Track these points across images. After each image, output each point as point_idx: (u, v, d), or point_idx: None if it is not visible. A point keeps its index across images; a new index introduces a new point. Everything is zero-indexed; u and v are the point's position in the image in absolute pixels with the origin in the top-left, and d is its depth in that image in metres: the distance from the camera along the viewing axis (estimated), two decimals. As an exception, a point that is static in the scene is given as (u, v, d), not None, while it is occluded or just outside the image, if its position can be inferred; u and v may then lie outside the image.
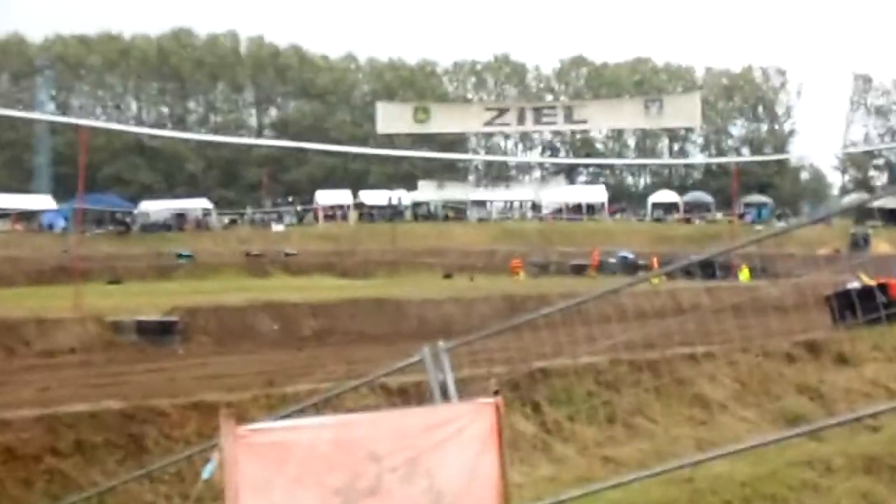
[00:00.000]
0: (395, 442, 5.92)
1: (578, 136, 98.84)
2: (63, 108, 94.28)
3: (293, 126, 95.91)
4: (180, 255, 59.48)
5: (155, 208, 76.07)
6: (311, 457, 5.77)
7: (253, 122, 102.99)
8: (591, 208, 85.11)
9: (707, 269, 44.31)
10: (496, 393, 6.13)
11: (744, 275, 48.91)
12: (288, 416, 7.43)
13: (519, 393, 12.77)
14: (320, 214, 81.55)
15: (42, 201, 75.13)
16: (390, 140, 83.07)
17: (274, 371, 20.95)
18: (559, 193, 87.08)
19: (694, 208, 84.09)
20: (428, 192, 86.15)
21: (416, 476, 5.90)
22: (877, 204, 70.28)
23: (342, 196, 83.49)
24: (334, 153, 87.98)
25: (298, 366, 22.28)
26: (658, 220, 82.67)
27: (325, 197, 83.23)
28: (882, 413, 14.00)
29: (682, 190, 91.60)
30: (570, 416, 12.98)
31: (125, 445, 12.23)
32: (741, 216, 76.81)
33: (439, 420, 6.05)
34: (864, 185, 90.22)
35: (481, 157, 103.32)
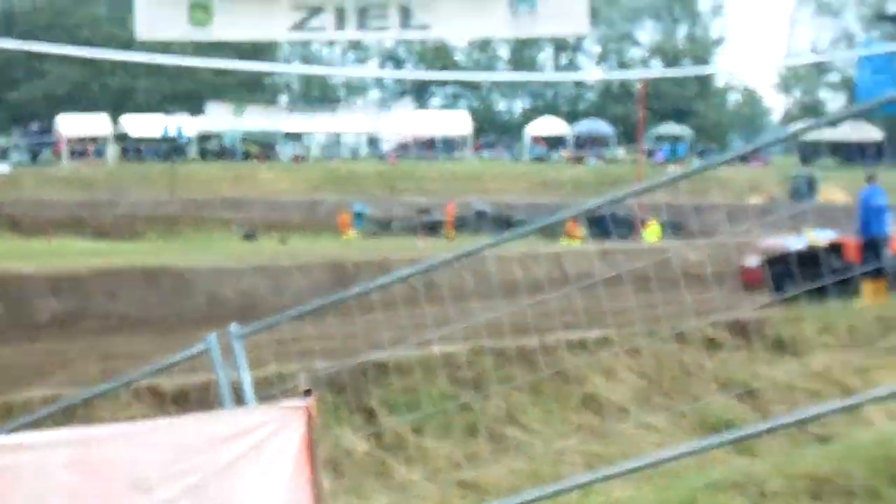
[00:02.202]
0: (170, 464, 5.86)
1: (431, 45, 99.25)
2: None
3: (22, 23, 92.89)
4: None
5: None
6: (48, 488, 5.65)
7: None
8: (450, 143, 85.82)
9: (600, 225, 45.47)
10: (307, 393, 6.12)
11: (652, 233, 50.47)
12: (17, 430, 7.25)
13: (346, 396, 12.81)
14: (64, 149, 79.49)
15: None
16: (163, 46, 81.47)
17: (-5, 372, 20.43)
18: (405, 122, 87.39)
19: (587, 143, 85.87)
20: (220, 119, 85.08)
21: None
22: (829, 137, 73.29)
23: (96, 123, 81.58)
24: (84, 61, 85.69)
25: (31, 363, 21.79)
26: (540, 158, 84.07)
27: (71, 124, 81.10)
28: (832, 416, 14.68)
29: (571, 118, 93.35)
30: (417, 426, 13.09)
31: None
32: (650, 153, 78.95)
33: (230, 432, 6.01)
34: (813, 110, 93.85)
35: (295, 68, 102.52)
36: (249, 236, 52.96)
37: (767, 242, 28.49)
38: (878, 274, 21.40)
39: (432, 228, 57.12)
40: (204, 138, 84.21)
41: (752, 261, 26.84)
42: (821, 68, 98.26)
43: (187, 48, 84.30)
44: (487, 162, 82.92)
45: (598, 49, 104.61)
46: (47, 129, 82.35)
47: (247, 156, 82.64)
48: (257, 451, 6.04)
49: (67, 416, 8.98)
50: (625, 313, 17.95)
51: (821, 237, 26.89)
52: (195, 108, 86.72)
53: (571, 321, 16.84)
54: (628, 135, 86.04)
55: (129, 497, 5.83)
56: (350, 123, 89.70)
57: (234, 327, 7.46)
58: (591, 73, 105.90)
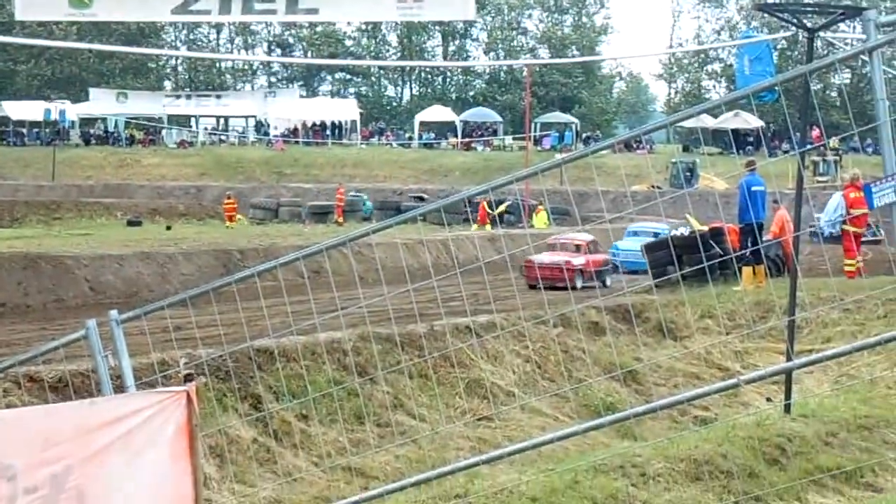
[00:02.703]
0: (36, 453, 5.76)
1: (319, 29, 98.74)
2: None
3: None
4: None
5: None
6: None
7: None
8: (339, 129, 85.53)
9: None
10: (188, 378, 6.04)
11: (540, 219, 50.97)
12: None
13: (231, 383, 12.71)
14: (-58, 134, 77.83)
15: None
16: (46, 27, 79.98)
17: None
18: (293, 108, 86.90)
19: (476, 130, 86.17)
20: (104, 103, 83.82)
21: (64, 499, 5.77)
22: (712, 125, 74.40)
23: (-25, 107, 79.98)
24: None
25: None
26: (428, 145, 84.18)
27: (-50, 108, 79.46)
28: (711, 397, 14.93)
29: (460, 106, 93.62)
30: (303, 413, 13.04)
31: None
32: (537, 140, 79.45)
33: (103, 419, 5.91)
34: (695, 98, 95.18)
35: (179, 52, 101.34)
36: (135, 223, 52.21)
37: (558, 238, 32.40)
38: (755, 259, 21.77)
39: (321, 215, 56.86)
40: (87, 122, 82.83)
41: (542, 257, 29.90)
42: (703, 58, 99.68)
43: (70, 32, 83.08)
44: (376, 148, 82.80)
45: (485, 37, 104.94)
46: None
47: (131, 141, 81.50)
48: (128, 439, 5.93)
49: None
50: (511, 298, 18.10)
51: (700, 224, 27.34)
52: (78, 93, 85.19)
53: (458, 308, 16.92)
54: (515, 122, 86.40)
55: None
56: (237, 109, 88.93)
57: (113, 313, 7.36)
58: (478, 60, 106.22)
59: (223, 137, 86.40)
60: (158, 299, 8.00)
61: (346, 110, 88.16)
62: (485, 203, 47.24)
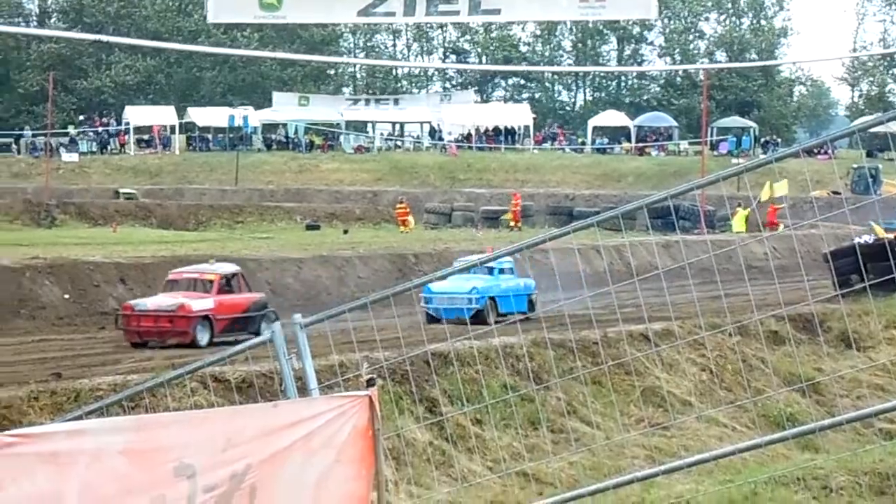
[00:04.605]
0: (218, 452, 5.89)
1: (494, 35, 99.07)
2: None
3: (90, 14, 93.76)
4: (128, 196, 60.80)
5: None
6: (100, 473, 5.69)
7: (33, 6, 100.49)
8: (512, 134, 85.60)
9: (664, 217, 45.02)
10: (370, 383, 6.11)
11: (740, 221, 48.75)
12: (79, 418, 7.31)
13: (408, 386, 12.82)
14: (131, 139, 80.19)
15: None
16: (230, 35, 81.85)
17: (63, 358, 20.64)
18: (467, 114, 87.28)
19: (650, 135, 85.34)
20: (285, 110, 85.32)
21: (238, 496, 5.88)
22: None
23: (163, 114, 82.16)
24: (151, 51, 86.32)
25: (98, 351, 21.99)
26: (602, 150, 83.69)
27: (139, 114, 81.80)
28: None
29: (634, 110, 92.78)
30: (478, 417, 13.08)
31: None
32: (714, 146, 78.27)
33: (286, 421, 6.02)
34: (881, 101, 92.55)
35: (359, 60, 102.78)
36: (313, 227, 53.17)
37: (182, 271, 24.73)
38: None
39: (494, 220, 56.94)
40: (269, 128, 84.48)
41: (150, 301, 23.17)
42: (889, 60, 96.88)
43: (252, 40, 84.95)
44: (549, 153, 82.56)
45: (661, 42, 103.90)
46: (115, 119, 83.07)
47: (310, 146, 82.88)
48: (307, 440, 6.03)
49: (133, 403, 9.03)
50: (688, 306, 17.84)
51: (885, 232, 26.53)
52: (260, 99, 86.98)
53: (634, 314, 16.76)
54: (692, 127, 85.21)
55: (171, 483, 5.86)
56: (413, 114, 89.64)
57: (297, 317, 7.48)
58: (655, 65, 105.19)
59: (398, 143, 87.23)
60: (336, 302, 8.12)
61: (520, 115, 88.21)
62: None
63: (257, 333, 20.92)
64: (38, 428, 6.18)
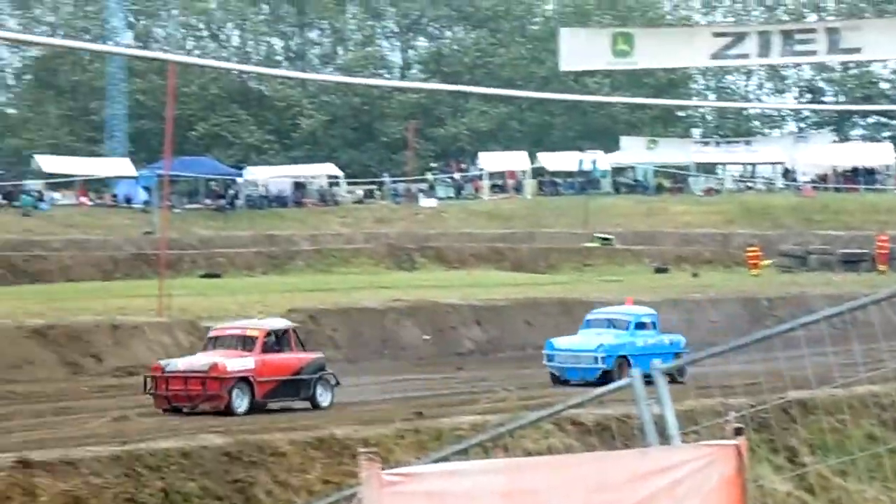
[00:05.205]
0: (588, 496, 5.94)
1: (852, 72, 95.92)
2: (144, 40, 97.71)
3: (449, 63, 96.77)
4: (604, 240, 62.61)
5: (265, 176, 78.23)
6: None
7: (395, 57, 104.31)
8: (872, 174, 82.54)
9: None
10: (738, 432, 6.04)
11: None
12: (445, 458, 7.52)
13: (766, 434, 12.53)
14: (485, 184, 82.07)
15: (117, 166, 78.10)
16: (580, 82, 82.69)
17: (424, 398, 21.26)
18: (824, 154, 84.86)
19: None
20: (634, 153, 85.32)
21: None
22: None
23: (515, 159, 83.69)
24: (505, 99, 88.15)
25: (457, 391, 22.54)
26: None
27: (493, 160, 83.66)
28: None
29: None
30: (842, 469, 12.61)
31: (227, 496, 12.63)
32: None
33: (653, 468, 6.03)
34: None
35: (710, 103, 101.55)
36: (662, 269, 52.89)
37: (224, 327, 22.16)
38: None
39: (854, 263, 54.96)
40: (618, 171, 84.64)
41: (182, 361, 21.15)
42: None
43: (603, 85, 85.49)
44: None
45: None
46: (470, 165, 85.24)
47: (660, 189, 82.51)
48: (672, 487, 6.03)
49: (491, 443, 9.22)
50: None
51: None
52: (610, 143, 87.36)
53: None
54: None
55: None
56: (765, 155, 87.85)
57: (656, 363, 7.49)
58: None
59: (749, 184, 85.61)
60: (688, 346, 8.05)
61: (881, 154, 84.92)
62: None
63: (311, 399, 20.05)
64: (417, 468, 6.42)
